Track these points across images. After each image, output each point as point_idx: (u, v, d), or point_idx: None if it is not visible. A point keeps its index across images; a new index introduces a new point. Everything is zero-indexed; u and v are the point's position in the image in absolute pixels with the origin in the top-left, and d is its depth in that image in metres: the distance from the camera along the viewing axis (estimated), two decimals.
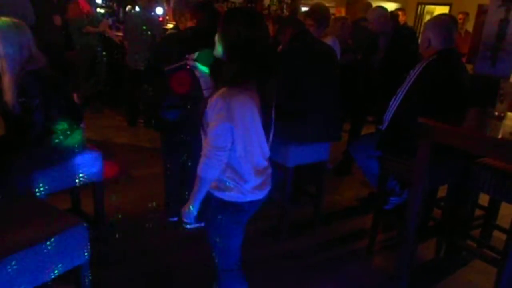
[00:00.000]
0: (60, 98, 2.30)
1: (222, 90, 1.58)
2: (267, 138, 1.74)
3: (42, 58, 2.20)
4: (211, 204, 1.73)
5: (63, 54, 4.95)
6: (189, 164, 2.78)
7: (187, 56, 1.87)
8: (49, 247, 1.52)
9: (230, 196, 1.70)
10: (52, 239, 1.54)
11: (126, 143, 4.52)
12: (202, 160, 1.62)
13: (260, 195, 1.76)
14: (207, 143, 1.60)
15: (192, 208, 1.68)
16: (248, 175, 1.69)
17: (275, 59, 1.62)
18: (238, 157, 1.65)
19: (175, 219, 2.96)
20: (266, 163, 1.78)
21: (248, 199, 1.72)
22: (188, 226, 1.75)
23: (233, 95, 1.56)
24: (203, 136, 1.70)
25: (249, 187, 1.70)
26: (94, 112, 5.34)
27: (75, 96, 2.52)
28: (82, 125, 2.50)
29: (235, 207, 1.72)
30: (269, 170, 1.82)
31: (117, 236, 2.71)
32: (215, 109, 1.56)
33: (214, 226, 1.77)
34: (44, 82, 2.20)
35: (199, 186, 1.65)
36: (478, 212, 2.92)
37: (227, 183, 1.68)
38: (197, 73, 1.85)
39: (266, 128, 1.71)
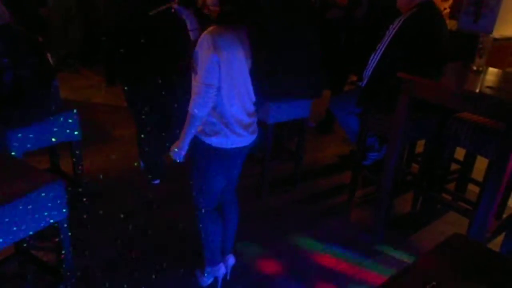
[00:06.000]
0: (30, 56, 2.21)
1: (210, 28, 1.63)
2: (254, 83, 1.77)
3: (6, 14, 2.10)
4: (196, 147, 1.79)
5: (36, 11, 4.73)
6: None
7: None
8: (26, 203, 1.51)
9: (215, 141, 1.75)
10: (29, 195, 1.52)
11: (105, 103, 4.44)
12: (193, 98, 1.68)
13: (245, 141, 1.82)
14: (197, 80, 1.66)
15: (182, 147, 1.75)
16: (233, 120, 1.74)
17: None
18: (223, 99, 1.69)
19: (157, 182, 2.96)
20: (252, 108, 1.82)
21: (233, 145, 1.78)
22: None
23: (219, 31, 1.62)
24: (193, 76, 1.74)
25: (234, 132, 1.76)
26: (71, 72, 5.19)
27: (48, 55, 2.42)
28: (56, 84, 2.43)
29: (219, 152, 1.78)
30: (255, 117, 1.86)
31: (96, 196, 2.71)
32: (203, 45, 1.62)
33: (197, 168, 1.85)
34: (12, 39, 2.11)
35: (190, 124, 1.71)
36: (454, 166, 3.00)
37: (213, 127, 1.74)
38: (183, 16, 1.84)
39: (253, 73, 1.74)
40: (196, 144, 1.79)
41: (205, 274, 2.08)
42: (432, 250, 1.16)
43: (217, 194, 1.94)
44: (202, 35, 1.64)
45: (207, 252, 2.03)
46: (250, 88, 1.77)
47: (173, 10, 1.82)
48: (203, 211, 1.94)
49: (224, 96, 1.69)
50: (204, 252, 2.04)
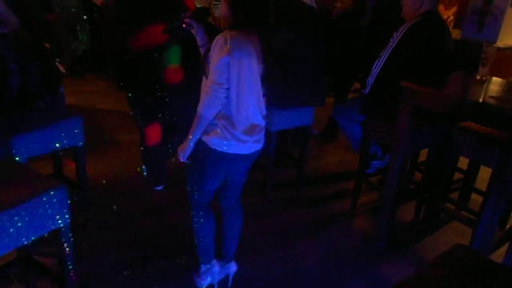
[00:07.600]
0: (37, 62, 2.24)
1: (224, 32, 1.68)
2: (265, 92, 1.82)
3: (14, 20, 2.13)
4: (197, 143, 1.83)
5: (42, 18, 4.77)
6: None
7: (182, 15, 1.84)
8: (29, 209, 1.52)
9: (212, 141, 1.77)
10: (32, 201, 1.53)
11: (110, 109, 4.46)
12: (202, 97, 1.72)
13: (246, 149, 1.83)
14: (208, 80, 1.70)
15: (187, 147, 1.79)
16: (241, 124, 1.76)
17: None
18: (233, 102, 1.72)
19: (160, 188, 2.96)
20: (263, 115, 1.85)
21: (232, 151, 1.79)
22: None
23: (233, 34, 1.66)
24: (204, 80, 1.78)
25: (236, 138, 1.77)
26: (77, 77, 5.23)
27: (56, 61, 2.44)
28: (61, 90, 2.45)
29: (217, 155, 1.80)
30: (262, 130, 1.87)
31: (99, 201, 2.72)
32: (216, 47, 1.66)
33: (194, 163, 1.88)
34: (19, 45, 2.14)
35: (197, 125, 1.75)
36: (457, 175, 2.99)
37: (215, 127, 1.76)
38: (193, 31, 1.85)
39: (264, 80, 1.78)
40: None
41: (201, 274, 2.09)
42: (435, 261, 1.15)
43: (209, 192, 1.96)
44: (216, 38, 1.67)
45: (200, 250, 2.05)
46: (261, 95, 1.80)
47: (184, 26, 1.81)
48: (196, 204, 1.97)
49: (234, 98, 1.71)
50: (198, 250, 2.06)
